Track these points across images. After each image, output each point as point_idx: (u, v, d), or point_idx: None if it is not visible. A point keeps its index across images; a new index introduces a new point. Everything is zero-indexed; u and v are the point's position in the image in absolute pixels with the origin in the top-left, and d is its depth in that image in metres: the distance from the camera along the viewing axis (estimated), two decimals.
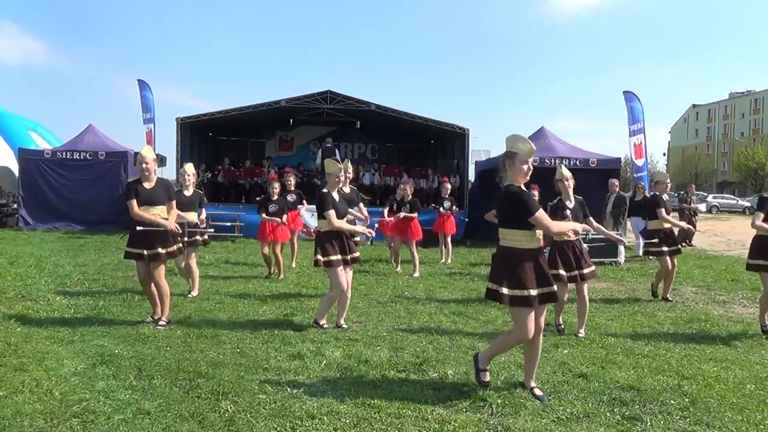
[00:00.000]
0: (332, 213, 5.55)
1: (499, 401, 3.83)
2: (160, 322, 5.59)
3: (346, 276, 5.66)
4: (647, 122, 15.28)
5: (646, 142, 15.07)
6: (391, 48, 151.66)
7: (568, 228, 4.58)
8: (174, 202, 5.80)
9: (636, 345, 5.35)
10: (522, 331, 3.82)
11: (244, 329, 5.54)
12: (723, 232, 20.01)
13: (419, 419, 3.54)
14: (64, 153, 16.06)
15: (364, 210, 7.86)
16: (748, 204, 38.75)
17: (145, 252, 5.51)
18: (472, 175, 18.58)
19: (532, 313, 3.82)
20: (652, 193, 8.16)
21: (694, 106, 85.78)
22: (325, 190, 5.69)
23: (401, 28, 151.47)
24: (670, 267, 7.48)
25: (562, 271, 5.57)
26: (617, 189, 12.69)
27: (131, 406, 3.60)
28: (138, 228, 5.48)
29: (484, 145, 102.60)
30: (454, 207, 11.35)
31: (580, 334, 5.65)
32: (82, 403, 3.64)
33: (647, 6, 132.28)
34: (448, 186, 11.79)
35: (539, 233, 3.87)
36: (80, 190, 15.74)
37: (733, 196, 45.92)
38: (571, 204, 5.70)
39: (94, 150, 16.04)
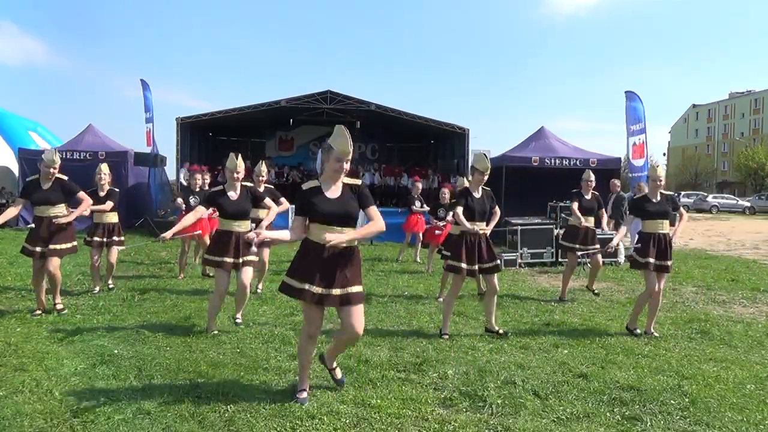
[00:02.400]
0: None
1: (499, 401, 3.83)
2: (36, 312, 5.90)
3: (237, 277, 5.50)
4: (647, 122, 15.28)
5: (647, 142, 15.08)
6: (391, 48, 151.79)
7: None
8: (82, 194, 6.22)
9: (636, 345, 5.35)
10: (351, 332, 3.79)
11: (244, 329, 5.54)
12: (723, 232, 20.01)
13: (419, 419, 3.54)
14: (64, 153, 16.01)
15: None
16: (748, 204, 38.77)
17: (38, 249, 5.91)
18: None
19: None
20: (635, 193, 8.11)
21: (694, 106, 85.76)
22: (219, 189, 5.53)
23: (401, 28, 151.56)
24: (573, 265, 7.81)
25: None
26: (618, 189, 12.69)
27: (131, 406, 3.60)
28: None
29: (484, 145, 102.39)
30: (424, 206, 11.43)
31: (498, 329, 5.61)
32: (82, 403, 3.64)
33: (646, 6, 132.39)
34: (419, 185, 12.05)
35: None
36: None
37: (733, 196, 45.89)
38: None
39: (94, 150, 16.03)
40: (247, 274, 5.58)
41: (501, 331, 5.56)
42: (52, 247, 5.90)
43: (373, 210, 3.82)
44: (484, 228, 5.61)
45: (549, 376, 4.37)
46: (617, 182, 12.75)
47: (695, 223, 22.49)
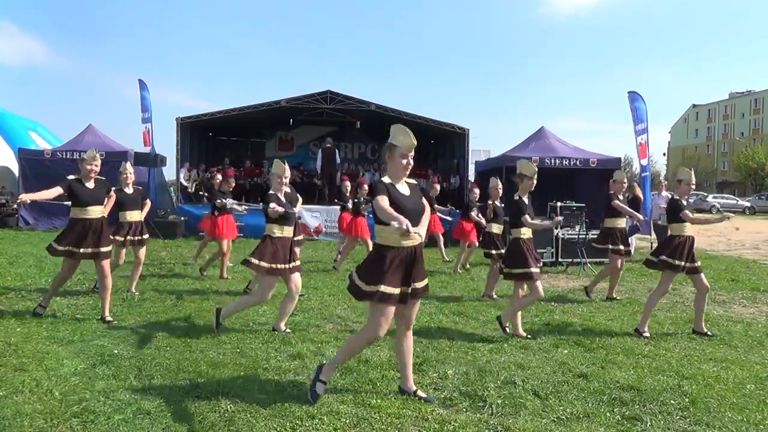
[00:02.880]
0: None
1: (499, 401, 3.83)
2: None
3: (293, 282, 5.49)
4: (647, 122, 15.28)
5: (649, 142, 15.09)
6: (391, 48, 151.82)
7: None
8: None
9: (636, 345, 5.35)
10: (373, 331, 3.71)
11: (244, 329, 5.54)
12: (723, 232, 20.00)
13: (419, 419, 3.54)
14: (64, 153, 16.04)
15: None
16: (748, 204, 38.76)
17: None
18: (472, 175, 18.58)
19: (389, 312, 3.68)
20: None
21: (694, 106, 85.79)
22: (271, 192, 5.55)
23: (401, 28, 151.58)
24: (619, 267, 7.71)
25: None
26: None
27: (131, 406, 3.60)
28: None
29: (484, 145, 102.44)
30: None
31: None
32: (82, 403, 3.64)
33: (646, 6, 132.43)
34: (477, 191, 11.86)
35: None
36: None
37: (733, 196, 45.90)
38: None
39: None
40: (297, 279, 5.56)
41: None
42: (104, 249, 5.77)
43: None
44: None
45: (549, 376, 4.37)
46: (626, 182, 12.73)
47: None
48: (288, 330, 5.52)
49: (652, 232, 12.66)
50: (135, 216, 7.23)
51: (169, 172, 19.26)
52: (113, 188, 6.52)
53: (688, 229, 5.84)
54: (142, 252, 7.39)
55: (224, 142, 20.38)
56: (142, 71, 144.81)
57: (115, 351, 4.74)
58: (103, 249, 5.77)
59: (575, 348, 5.20)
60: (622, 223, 7.79)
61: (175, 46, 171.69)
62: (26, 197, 5.71)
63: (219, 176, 9.44)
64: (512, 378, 4.30)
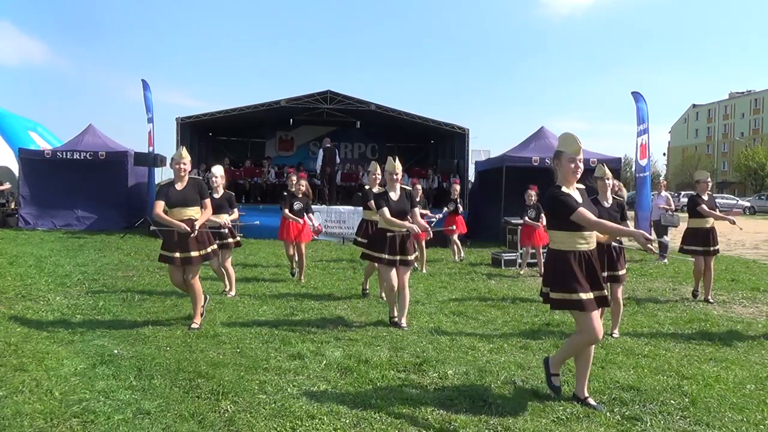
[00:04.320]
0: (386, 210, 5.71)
1: (499, 401, 3.83)
2: (193, 325, 5.51)
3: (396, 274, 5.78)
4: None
5: (649, 142, 15.10)
6: (391, 48, 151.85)
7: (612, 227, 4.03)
8: (207, 201, 5.66)
9: (636, 345, 5.35)
10: (589, 334, 3.73)
11: (244, 329, 5.54)
12: (723, 232, 19.97)
13: (419, 419, 3.54)
14: (64, 153, 16.04)
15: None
16: (748, 204, 38.72)
17: (177, 255, 5.45)
18: (472, 175, 18.58)
19: (594, 315, 3.73)
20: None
21: (694, 106, 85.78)
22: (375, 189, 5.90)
23: (401, 28, 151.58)
24: (704, 266, 7.78)
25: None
26: (617, 189, 12.69)
27: (131, 406, 3.60)
28: (163, 229, 5.54)
29: (484, 145, 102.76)
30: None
31: (614, 335, 5.63)
32: (82, 403, 3.64)
33: (644, 6, 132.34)
34: (457, 187, 12.01)
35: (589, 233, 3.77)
36: (80, 190, 15.74)
37: (733, 196, 45.87)
38: (607, 204, 5.53)
39: (94, 150, 16.03)
40: (406, 274, 5.87)
41: None
42: (193, 254, 5.49)
43: None
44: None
45: None
46: (616, 182, 12.73)
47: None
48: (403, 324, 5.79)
49: (653, 232, 12.65)
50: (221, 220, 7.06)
51: (169, 172, 19.23)
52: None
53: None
54: (227, 257, 7.30)
55: (224, 142, 20.37)
56: (142, 71, 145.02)
57: (115, 351, 4.74)
58: (192, 254, 5.47)
59: None
60: (707, 223, 7.61)
61: (175, 46, 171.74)
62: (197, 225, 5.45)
63: (303, 181, 8.78)
64: (512, 378, 4.30)
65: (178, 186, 5.53)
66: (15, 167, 16.84)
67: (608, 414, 3.69)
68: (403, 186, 5.95)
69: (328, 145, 16.64)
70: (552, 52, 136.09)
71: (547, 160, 14.56)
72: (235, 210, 7.56)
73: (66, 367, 4.29)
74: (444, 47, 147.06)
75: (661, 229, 12.21)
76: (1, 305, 6.35)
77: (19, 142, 18.16)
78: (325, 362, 4.56)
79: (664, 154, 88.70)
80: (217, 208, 6.91)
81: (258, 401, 3.73)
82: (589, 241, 3.76)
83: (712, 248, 7.55)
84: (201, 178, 9.28)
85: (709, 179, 7.76)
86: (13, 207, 16.53)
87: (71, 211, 15.74)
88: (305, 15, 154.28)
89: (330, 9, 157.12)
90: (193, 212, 5.50)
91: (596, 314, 3.75)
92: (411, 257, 5.84)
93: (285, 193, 8.67)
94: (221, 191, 7.26)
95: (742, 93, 77.73)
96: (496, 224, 13.76)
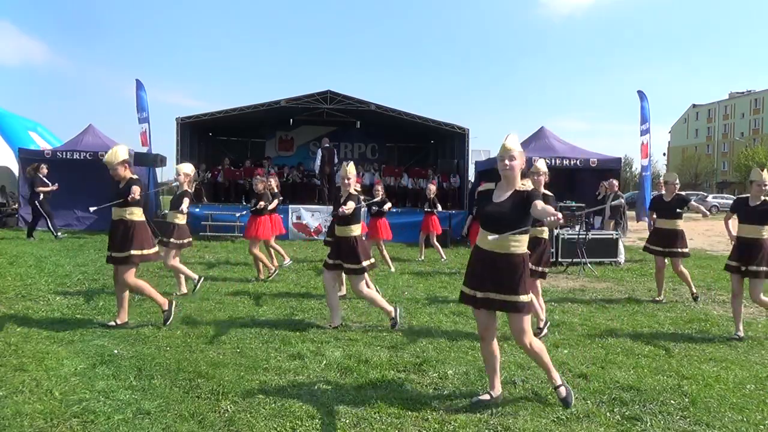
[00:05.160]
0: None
1: (499, 401, 3.83)
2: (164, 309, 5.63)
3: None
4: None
5: (651, 142, 15.12)
6: (391, 48, 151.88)
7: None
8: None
9: (636, 345, 5.35)
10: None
11: (244, 329, 5.54)
12: (723, 232, 19.98)
13: (419, 419, 3.54)
14: (64, 153, 16.03)
15: None
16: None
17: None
18: (472, 175, 18.57)
19: (477, 313, 3.82)
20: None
21: (694, 106, 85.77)
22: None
23: (401, 28, 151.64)
24: None
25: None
26: (616, 189, 12.71)
27: (131, 406, 3.60)
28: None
29: (484, 145, 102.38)
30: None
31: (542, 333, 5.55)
32: (82, 403, 3.64)
33: (644, 6, 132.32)
34: (433, 187, 12.09)
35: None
36: (80, 190, 15.72)
37: (733, 196, 45.75)
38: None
39: (94, 150, 16.00)
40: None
41: None
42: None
43: None
44: None
45: None
46: (615, 182, 12.76)
47: (695, 223, 22.47)
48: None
49: None
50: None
51: (169, 172, 19.26)
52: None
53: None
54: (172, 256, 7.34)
55: (224, 142, 20.37)
56: (142, 71, 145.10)
57: (115, 351, 4.74)
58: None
59: (575, 348, 5.20)
60: (677, 224, 7.58)
61: (175, 46, 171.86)
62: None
63: (272, 180, 9.17)
64: (512, 378, 4.30)
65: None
66: (15, 167, 16.82)
67: (608, 414, 3.69)
68: (355, 191, 5.82)
69: (327, 145, 16.64)
70: (552, 52, 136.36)
71: (547, 160, 14.56)
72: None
73: (66, 367, 4.29)
74: (444, 47, 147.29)
75: None
76: (1, 305, 6.35)
77: (19, 142, 18.14)
78: (325, 362, 4.56)
79: (664, 154, 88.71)
80: (174, 206, 7.13)
81: (258, 401, 3.73)
82: (499, 242, 3.63)
83: (670, 249, 7.41)
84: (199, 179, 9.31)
85: (677, 182, 7.65)
86: (14, 207, 16.52)
87: (71, 211, 15.72)
88: (305, 15, 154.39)
89: (330, 9, 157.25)
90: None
91: (479, 312, 3.74)
92: (349, 265, 5.63)
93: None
94: (185, 187, 7.25)
95: (742, 93, 77.73)
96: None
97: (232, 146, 20.49)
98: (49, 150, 16.78)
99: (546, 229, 5.64)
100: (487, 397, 3.81)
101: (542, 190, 5.76)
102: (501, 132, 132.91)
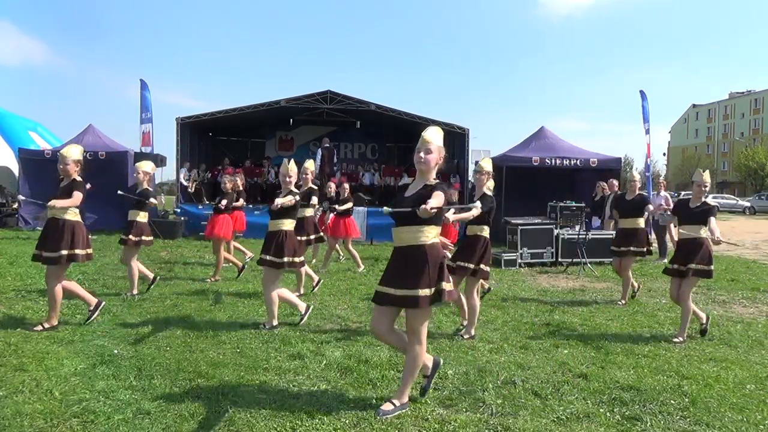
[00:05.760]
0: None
1: (499, 401, 3.83)
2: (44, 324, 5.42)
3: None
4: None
5: (651, 141, 15.17)
6: (391, 48, 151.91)
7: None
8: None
9: (636, 345, 5.35)
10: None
11: (244, 329, 5.54)
12: (723, 232, 19.93)
13: (419, 419, 3.54)
14: None
15: None
16: (748, 204, 38.75)
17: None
18: (472, 175, 18.55)
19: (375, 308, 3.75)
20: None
21: (694, 106, 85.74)
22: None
23: (401, 28, 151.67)
24: None
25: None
26: (616, 189, 12.71)
27: (131, 406, 3.60)
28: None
29: (484, 145, 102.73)
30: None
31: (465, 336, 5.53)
32: (82, 403, 3.64)
33: (644, 6, 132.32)
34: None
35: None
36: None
37: (733, 196, 45.88)
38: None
39: (94, 150, 15.98)
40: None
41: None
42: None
43: None
44: None
45: (549, 376, 4.37)
46: (615, 182, 12.77)
47: None
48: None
49: (653, 232, 12.65)
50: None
51: (169, 171, 19.24)
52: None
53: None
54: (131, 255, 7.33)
55: (224, 142, 20.37)
56: (143, 71, 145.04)
57: (115, 351, 4.74)
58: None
59: (575, 348, 5.20)
60: (634, 224, 7.54)
61: (175, 46, 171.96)
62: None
63: (235, 177, 9.39)
64: (512, 378, 4.30)
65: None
66: (15, 167, 16.82)
67: (608, 414, 3.69)
68: (293, 189, 5.79)
69: (327, 146, 16.65)
70: (552, 53, 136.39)
71: (547, 160, 14.58)
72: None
73: (66, 367, 4.29)
74: (444, 47, 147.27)
75: (661, 229, 12.21)
76: (1, 305, 6.35)
77: (19, 142, 18.13)
78: (325, 362, 4.56)
79: (664, 154, 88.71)
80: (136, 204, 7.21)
81: (258, 401, 3.73)
82: (400, 236, 3.65)
83: (626, 248, 7.35)
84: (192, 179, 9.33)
85: (637, 180, 7.59)
86: (14, 207, 16.51)
87: None
88: (305, 15, 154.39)
89: (330, 9, 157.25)
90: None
91: (376, 308, 3.70)
92: (281, 259, 5.57)
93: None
94: (144, 185, 7.29)
95: (742, 93, 77.70)
96: (496, 224, 13.75)
97: (232, 146, 20.49)
98: (49, 150, 16.76)
99: (486, 227, 5.61)
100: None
101: (483, 189, 5.69)
102: (501, 132, 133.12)
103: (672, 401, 3.91)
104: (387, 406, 3.58)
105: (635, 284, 7.78)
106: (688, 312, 5.65)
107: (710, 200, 5.90)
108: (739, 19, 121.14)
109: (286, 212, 5.69)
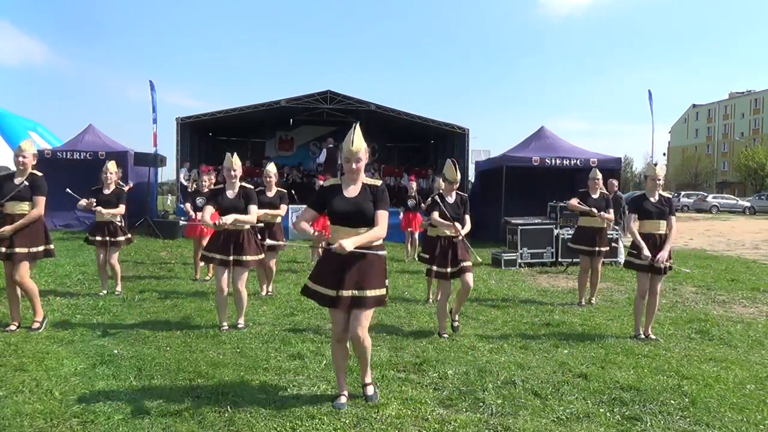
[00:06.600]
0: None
1: (499, 401, 3.83)
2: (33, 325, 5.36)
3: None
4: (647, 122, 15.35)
5: (653, 140, 15.19)
6: (391, 48, 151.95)
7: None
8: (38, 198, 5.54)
9: (636, 345, 5.35)
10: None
11: (244, 329, 5.54)
12: (723, 232, 19.99)
13: (419, 419, 3.54)
14: (64, 153, 16.02)
15: None
16: (748, 204, 38.74)
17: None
18: (472, 175, 18.57)
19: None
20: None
21: (694, 106, 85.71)
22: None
23: (401, 28, 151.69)
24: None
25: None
26: (616, 189, 12.71)
27: (131, 406, 3.60)
28: None
29: (484, 145, 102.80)
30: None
31: (455, 323, 5.69)
32: (82, 403, 3.64)
33: (644, 6, 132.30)
34: (413, 184, 12.15)
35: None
36: (80, 190, 15.71)
37: (733, 196, 45.85)
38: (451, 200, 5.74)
39: (94, 150, 16.01)
40: (241, 276, 5.65)
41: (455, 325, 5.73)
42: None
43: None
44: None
45: (549, 376, 4.37)
46: (615, 182, 12.76)
47: (695, 223, 22.49)
48: (241, 324, 5.63)
49: None
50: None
51: (169, 172, 19.25)
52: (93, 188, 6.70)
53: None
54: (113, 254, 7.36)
55: (224, 142, 20.37)
56: (143, 71, 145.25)
57: (115, 351, 4.74)
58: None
59: (575, 348, 5.20)
60: (596, 223, 7.45)
61: (175, 46, 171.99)
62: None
63: (205, 177, 9.10)
64: (512, 378, 4.30)
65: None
66: (15, 168, 16.82)
67: (608, 414, 3.69)
68: (244, 185, 5.69)
69: (331, 145, 16.65)
70: (551, 53, 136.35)
71: (547, 160, 14.59)
72: (121, 206, 7.44)
73: (66, 367, 4.29)
74: (444, 47, 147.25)
75: None
76: (1, 305, 6.35)
77: (19, 142, 18.11)
78: (325, 362, 4.56)
79: (664, 154, 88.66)
80: (105, 203, 7.28)
81: (258, 401, 3.73)
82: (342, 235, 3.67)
83: (597, 249, 7.29)
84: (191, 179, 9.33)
85: (599, 178, 7.54)
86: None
87: (71, 212, 15.73)
88: (305, 15, 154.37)
89: (330, 9, 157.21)
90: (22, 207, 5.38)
91: (336, 312, 3.70)
92: (246, 258, 5.55)
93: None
94: (112, 187, 7.38)
95: (742, 93, 77.68)
96: (495, 224, 13.76)
97: (232, 146, 20.39)
98: (49, 150, 16.78)
99: (447, 231, 5.58)
100: (344, 399, 3.75)
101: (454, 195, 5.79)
102: (501, 132, 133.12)
103: (672, 401, 3.91)
104: (370, 390, 3.84)
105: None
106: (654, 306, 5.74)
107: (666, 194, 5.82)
108: (739, 19, 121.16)
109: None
